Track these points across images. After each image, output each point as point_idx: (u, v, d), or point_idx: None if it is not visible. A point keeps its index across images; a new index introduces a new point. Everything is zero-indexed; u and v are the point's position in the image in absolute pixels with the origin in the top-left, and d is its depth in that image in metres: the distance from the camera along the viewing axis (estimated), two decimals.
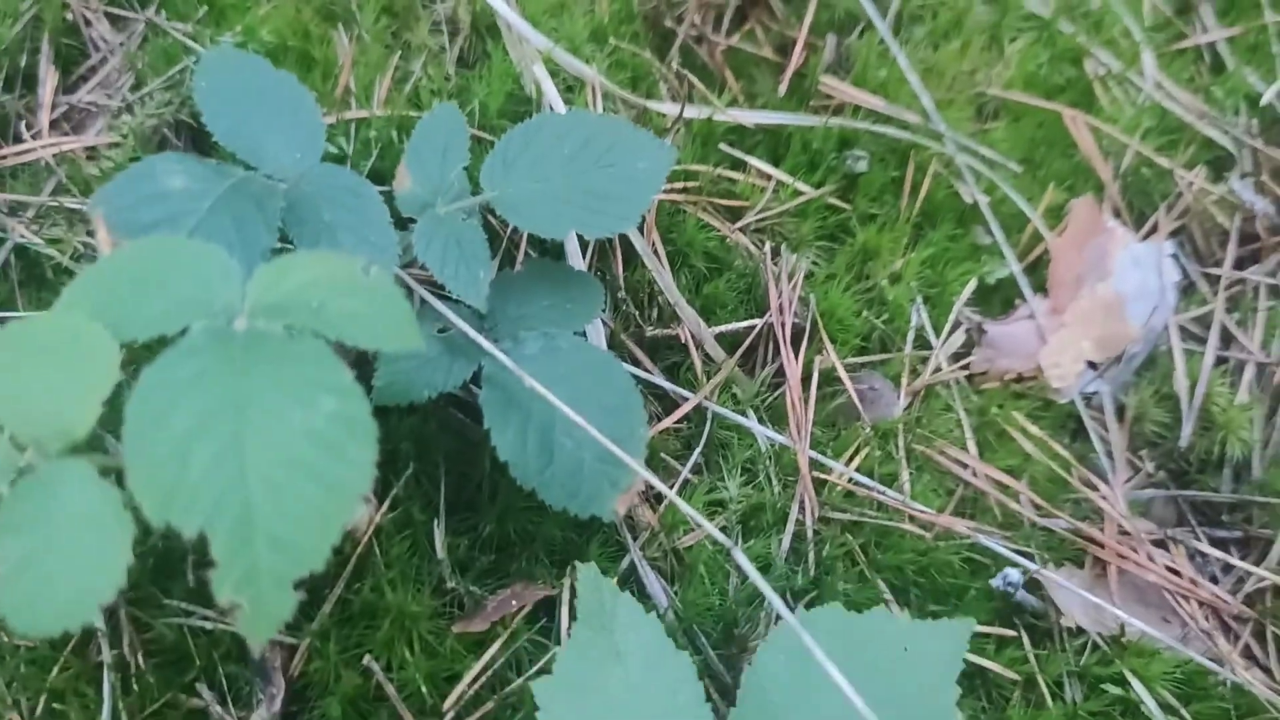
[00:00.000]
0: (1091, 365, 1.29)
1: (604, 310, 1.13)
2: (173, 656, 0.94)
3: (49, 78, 1.18)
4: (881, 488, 1.14)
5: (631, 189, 1.02)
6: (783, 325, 1.19)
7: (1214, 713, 1.12)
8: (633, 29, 1.31)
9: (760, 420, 1.17)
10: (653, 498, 1.10)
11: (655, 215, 1.19)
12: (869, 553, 1.13)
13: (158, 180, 0.90)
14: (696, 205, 1.23)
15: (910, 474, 1.18)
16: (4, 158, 1.13)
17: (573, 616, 0.92)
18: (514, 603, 1.02)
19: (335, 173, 0.98)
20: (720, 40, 1.37)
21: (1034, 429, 1.23)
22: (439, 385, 0.97)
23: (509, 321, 1.03)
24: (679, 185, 1.23)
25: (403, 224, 1.00)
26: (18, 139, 1.15)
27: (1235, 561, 1.23)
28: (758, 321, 1.20)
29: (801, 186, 1.27)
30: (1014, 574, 1.10)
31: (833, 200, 1.28)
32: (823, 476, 1.14)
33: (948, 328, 1.25)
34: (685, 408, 1.13)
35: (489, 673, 0.99)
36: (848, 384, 1.19)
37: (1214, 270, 1.36)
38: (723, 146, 1.28)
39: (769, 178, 1.27)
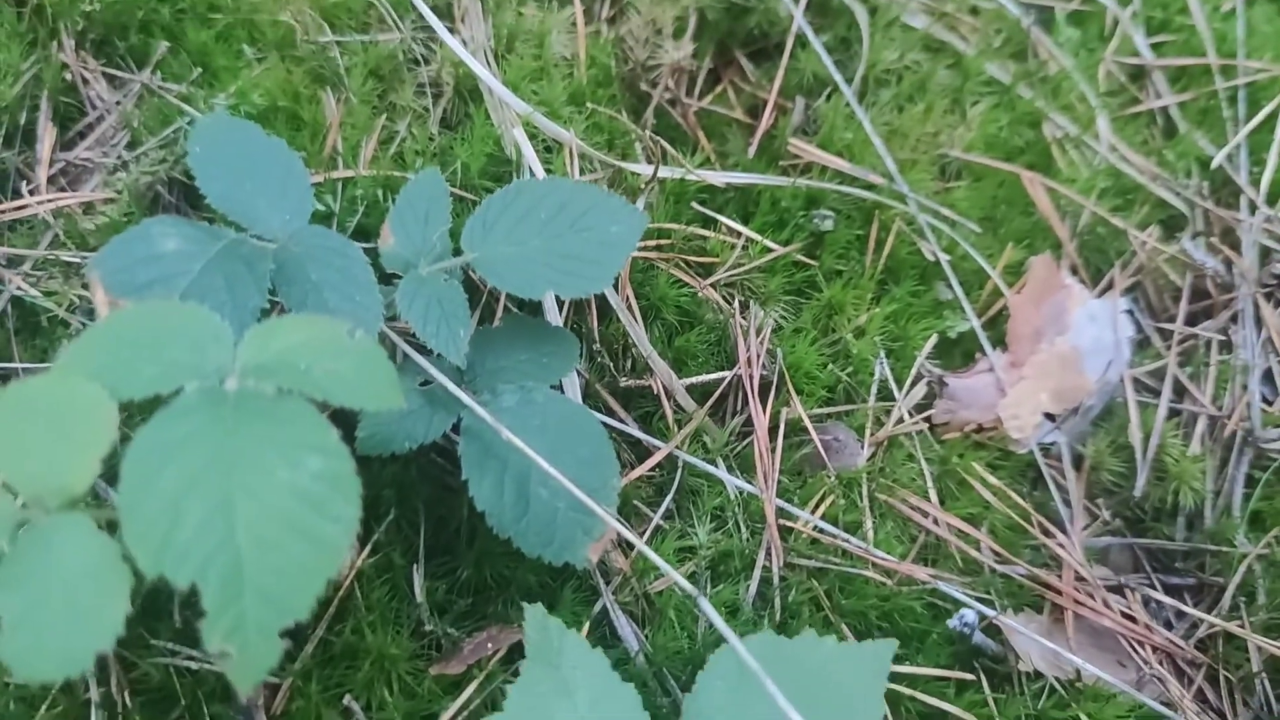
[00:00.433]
0: (1049, 417, 1.34)
1: (579, 363, 1.18)
2: (159, 696, 0.98)
3: (47, 135, 1.22)
4: (846, 535, 1.19)
5: (605, 252, 1.07)
6: (751, 377, 1.24)
7: None
8: (610, 92, 1.36)
9: (729, 469, 1.22)
10: (625, 544, 1.14)
11: (629, 272, 1.25)
12: (833, 598, 1.17)
13: (153, 242, 0.95)
14: (669, 262, 1.28)
15: (873, 522, 1.22)
16: (3, 212, 1.18)
17: None
18: (490, 645, 1.06)
19: (322, 234, 1.03)
20: (693, 102, 1.43)
21: (993, 479, 1.28)
22: (419, 437, 1.01)
23: (488, 375, 1.08)
24: (652, 243, 1.28)
25: (387, 278, 1.05)
26: (16, 194, 1.19)
27: (1187, 609, 1.28)
28: (727, 373, 1.25)
29: (770, 244, 1.32)
30: (970, 615, 1.15)
31: (800, 257, 1.34)
32: (789, 524, 1.19)
33: (909, 380, 1.30)
34: (657, 457, 1.18)
35: (465, 713, 1.03)
36: (813, 434, 1.24)
37: (1167, 326, 1.42)
38: (695, 205, 1.33)
39: (739, 235, 1.33)
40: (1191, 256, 1.42)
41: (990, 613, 1.17)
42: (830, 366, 1.29)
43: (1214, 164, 1.47)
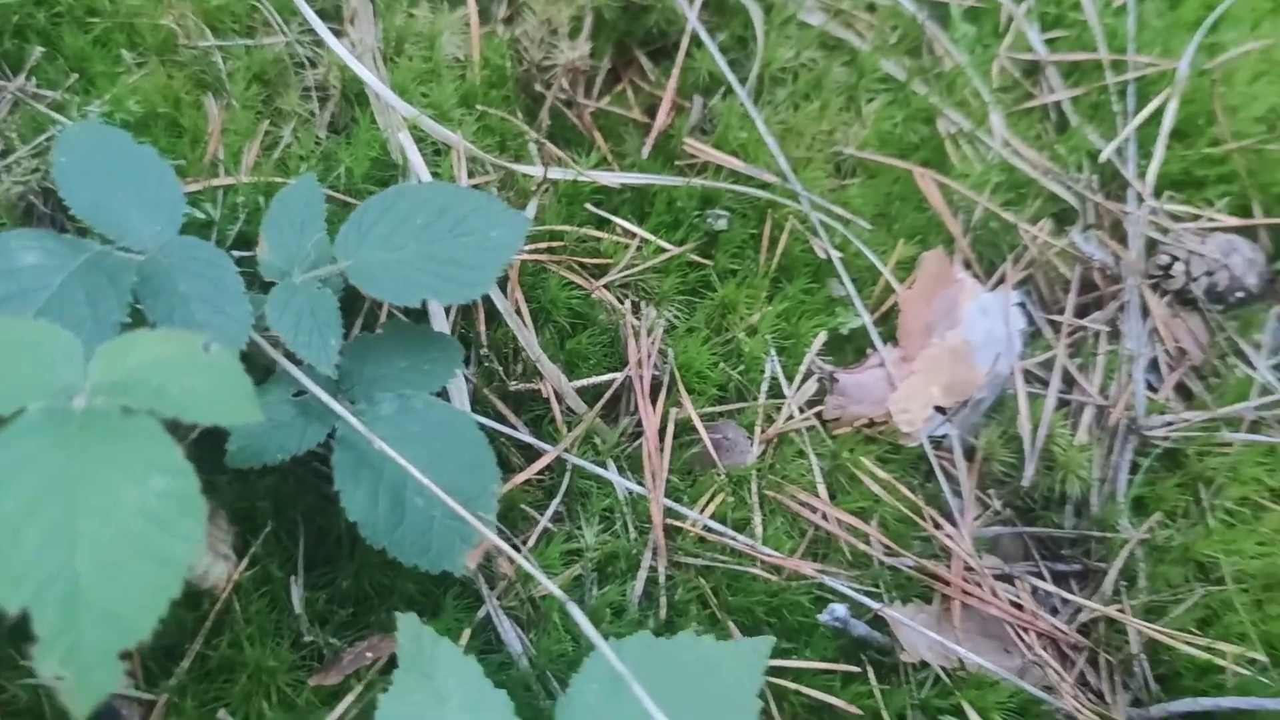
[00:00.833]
0: (940, 410, 1.36)
1: (465, 369, 1.18)
2: (28, 718, 0.97)
3: None
4: (733, 533, 1.20)
5: (484, 257, 1.07)
6: (641, 378, 1.25)
7: None
8: (504, 94, 1.36)
9: (620, 470, 1.22)
10: (512, 549, 1.15)
11: (519, 275, 1.25)
12: (720, 595, 1.18)
13: (12, 256, 0.94)
14: (561, 264, 1.29)
15: (763, 518, 1.24)
16: None
17: None
18: (369, 655, 1.06)
19: (193, 245, 1.02)
20: (590, 103, 1.43)
21: (883, 473, 1.30)
22: (292, 449, 1.01)
23: (365, 383, 1.08)
24: (544, 245, 1.28)
25: (267, 288, 1.05)
26: None
27: (1069, 595, 1.31)
28: (619, 375, 1.25)
29: (664, 244, 1.33)
30: (840, 609, 1.16)
31: (694, 257, 1.34)
32: (677, 524, 1.20)
33: (799, 377, 1.32)
34: (543, 461, 1.19)
35: None
36: (703, 433, 1.25)
37: (1057, 318, 1.45)
38: (589, 206, 1.34)
39: (633, 236, 1.33)
40: (1080, 249, 1.45)
41: (875, 605, 1.19)
42: (722, 365, 1.30)
43: (1102, 157, 1.50)
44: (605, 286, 1.30)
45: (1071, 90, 1.55)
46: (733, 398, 1.31)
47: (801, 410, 1.31)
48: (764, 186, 1.38)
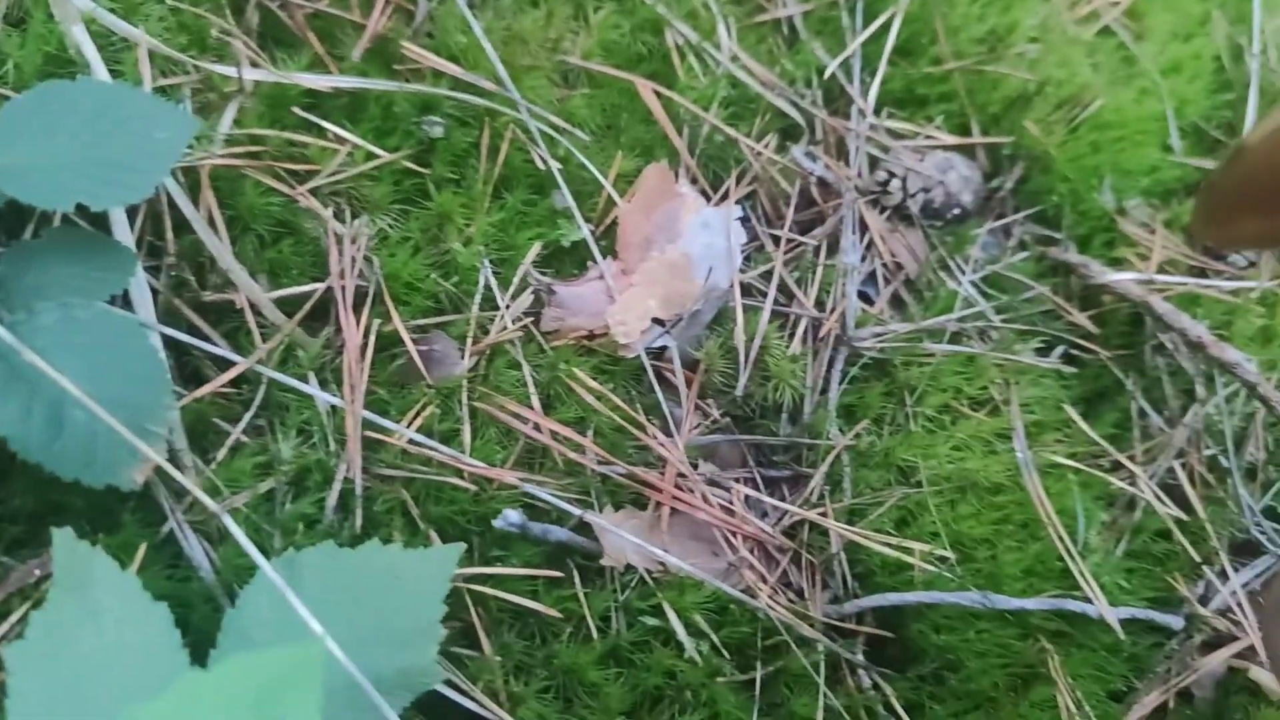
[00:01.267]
0: (659, 322, 1.38)
1: (153, 278, 1.13)
2: None
3: None
4: (437, 445, 1.20)
5: (147, 160, 1.02)
6: (344, 288, 1.22)
7: (741, 636, 1.25)
8: None
9: (322, 383, 1.20)
10: (196, 462, 1.12)
11: (210, 180, 1.20)
12: (422, 505, 1.18)
13: None
14: (262, 169, 1.24)
15: (471, 430, 1.24)
16: None
17: None
18: (37, 572, 1.02)
19: None
20: (306, 4, 1.37)
21: (596, 384, 1.31)
22: None
23: (25, 292, 1.02)
24: (241, 150, 1.23)
25: None
26: None
27: (777, 502, 1.36)
28: (320, 285, 1.22)
29: (376, 149, 1.29)
30: (513, 514, 1.17)
31: (411, 165, 1.32)
32: (380, 437, 1.19)
33: (512, 288, 1.31)
34: (231, 373, 1.15)
35: (2, 644, 0.99)
36: (409, 344, 1.23)
37: (778, 232, 1.48)
38: (297, 110, 1.29)
39: (344, 142, 1.29)
40: (800, 164, 1.48)
41: (576, 511, 1.22)
42: (433, 276, 1.28)
43: (827, 73, 1.53)
44: (313, 193, 1.26)
45: (803, 5, 1.57)
46: (448, 309, 1.30)
47: (517, 321, 1.31)
48: (483, 95, 1.36)
